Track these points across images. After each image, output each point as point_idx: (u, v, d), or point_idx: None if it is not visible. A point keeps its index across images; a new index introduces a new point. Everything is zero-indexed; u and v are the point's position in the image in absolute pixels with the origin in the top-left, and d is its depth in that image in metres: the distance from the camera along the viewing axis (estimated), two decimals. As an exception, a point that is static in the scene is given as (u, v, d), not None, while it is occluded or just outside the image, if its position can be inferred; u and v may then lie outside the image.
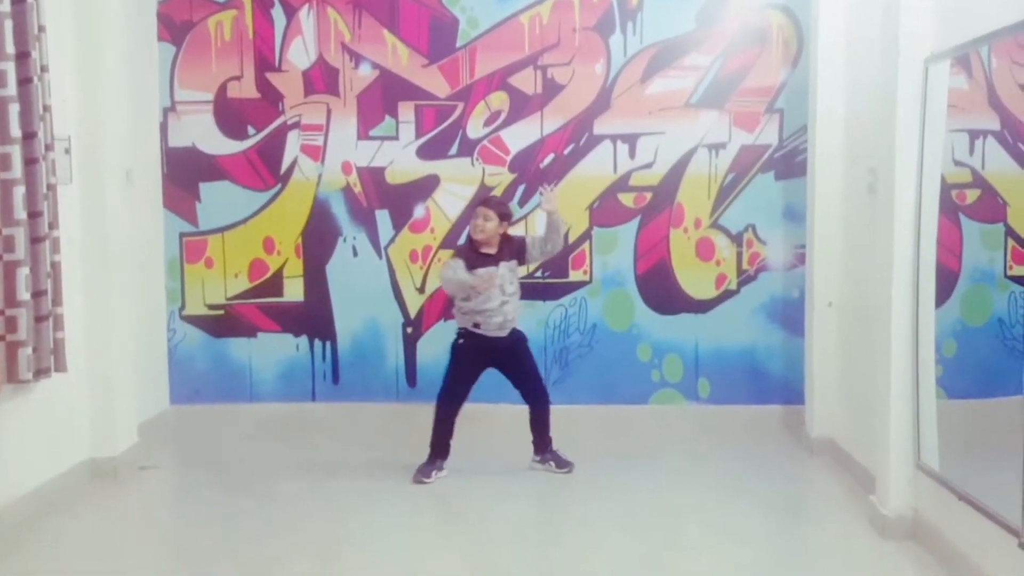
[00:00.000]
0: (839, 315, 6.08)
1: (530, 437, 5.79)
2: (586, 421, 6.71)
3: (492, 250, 5.59)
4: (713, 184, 6.85)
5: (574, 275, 6.96)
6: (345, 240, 7.01)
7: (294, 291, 7.05)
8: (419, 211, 6.95)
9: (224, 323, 7.08)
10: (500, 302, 5.56)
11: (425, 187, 6.91)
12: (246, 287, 7.06)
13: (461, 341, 5.63)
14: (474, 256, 5.54)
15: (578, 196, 6.85)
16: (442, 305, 6.88)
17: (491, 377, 5.85)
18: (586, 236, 6.92)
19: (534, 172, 6.90)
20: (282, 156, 6.96)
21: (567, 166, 6.88)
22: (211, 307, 7.10)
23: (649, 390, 6.97)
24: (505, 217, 5.67)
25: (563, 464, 5.80)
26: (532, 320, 6.77)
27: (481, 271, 5.42)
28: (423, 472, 5.58)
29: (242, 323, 7.09)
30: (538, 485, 5.72)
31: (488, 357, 5.63)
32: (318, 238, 6.97)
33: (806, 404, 6.38)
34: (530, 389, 5.77)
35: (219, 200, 7.00)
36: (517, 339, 5.70)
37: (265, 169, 7.01)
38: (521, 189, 6.91)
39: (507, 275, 5.59)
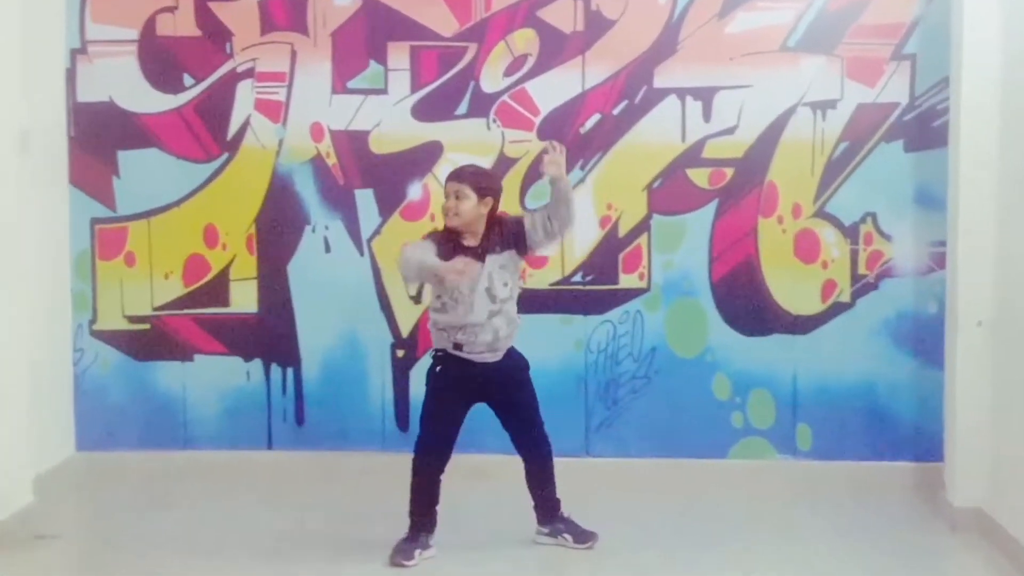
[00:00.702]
0: (992, 338, 6.02)
1: (530, 501, 5.78)
2: (640, 481, 6.77)
3: (474, 240, 5.53)
4: (819, 157, 6.81)
5: (626, 280, 6.95)
6: (314, 230, 7.02)
7: (244, 299, 7.09)
8: (415, 191, 6.94)
9: (150, 341, 7.12)
10: (488, 313, 5.49)
11: (423, 159, 6.92)
12: (180, 293, 7.09)
13: (438, 368, 5.61)
14: (450, 247, 5.47)
15: (632, 173, 6.85)
16: None
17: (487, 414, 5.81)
18: (643, 227, 6.90)
19: (572, 139, 6.84)
20: (230, 116, 7.01)
21: (617, 131, 6.86)
22: (132, 319, 7.13)
23: (728, 439, 6.96)
24: (486, 192, 5.55)
25: (583, 536, 5.77)
26: (568, 341, 6.87)
27: (458, 260, 5.32)
28: (402, 553, 5.54)
29: (174, 342, 7.12)
30: (559, 568, 5.67)
31: (475, 390, 5.61)
32: (277, 227, 7.01)
33: (946, 461, 6.37)
34: (525, 434, 5.73)
35: (145, 174, 7.04)
36: (513, 366, 5.67)
37: (207, 133, 7.04)
38: None
39: (497, 274, 5.53)
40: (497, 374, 5.60)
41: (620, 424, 6.98)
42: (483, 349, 5.53)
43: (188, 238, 7.05)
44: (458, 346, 5.55)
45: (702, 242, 6.92)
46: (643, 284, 6.96)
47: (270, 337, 7.08)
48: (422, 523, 5.61)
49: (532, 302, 6.59)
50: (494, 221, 5.56)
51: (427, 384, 5.66)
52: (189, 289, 7.10)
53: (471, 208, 5.49)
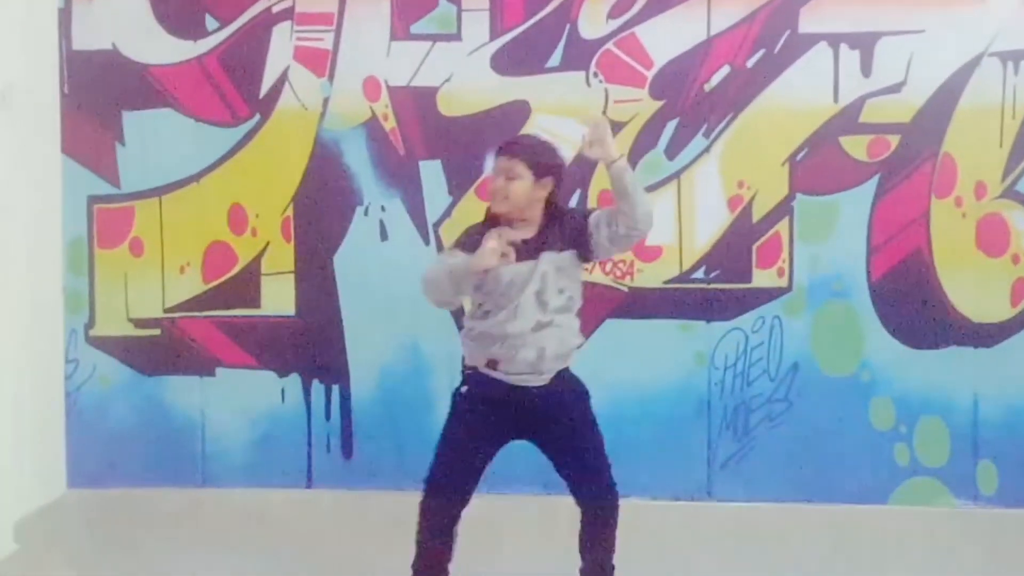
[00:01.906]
0: None
1: (577, 561, 5.38)
2: (775, 531, 6.40)
3: (529, 232, 5.12)
4: (1009, 122, 6.44)
5: (761, 277, 6.55)
6: (367, 212, 6.68)
7: (279, 298, 6.75)
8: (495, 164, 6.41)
9: (161, 351, 6.81)
10: (535, 324, 5.06)
11: (505, 122, 6.51)
12: (199, 290, 6.78)
13: (464, 389, 5.26)
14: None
15: (770, 142, 6.48)
16: None
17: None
18: (783, 210, 6.49)
19: (694, 98, 6.52)
20: (263, 68, 6.69)
21: (752, 89, 6.49)
22: (139, 323, 6.82)
23: (889, 480, 6.55)
24: (546, 170, 5.15)
25: None
26: (687, 354, 6.54)
27: (490, 236, 4.98)
28: None
29: (191, 351, 6.81)
30: None
31: (511, 421, 5.19)
32: (321, 208, 6.68)
33: None
34: (583, 484, 5.30)
35: (155, 142, 6.72)
36: (566, 394, 5.23)
37: (233, 90, 6.72)
38: (671, 128, 6.49)
39: (553, 277, 5.13)
40: (543, 403, 5.18)
41: (752, 459, 6.61)
42: (524, 369, 5.14)
43: (209, 221, 6.75)
44: (492, 363, 5.16)
45: (859, 230, 6.52)
46: (783, 283, 6.58)
47: (311, 347, 6.76)
48: None
49: (642, 305, 6.55)
50: (555, 211, 5.24)
51: (450, 408, 5.34)
52: (210, 285, 6.79)
53: (525, 191, 5.10)
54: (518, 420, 5.21)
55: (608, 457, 5.31)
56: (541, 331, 5.10)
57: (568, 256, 5.16)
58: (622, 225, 5.09)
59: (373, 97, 6.62)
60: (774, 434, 6.57)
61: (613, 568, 5.35)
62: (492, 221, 5.17)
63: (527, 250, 5.07)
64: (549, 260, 5.11)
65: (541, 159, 5.16)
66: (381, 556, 5.98)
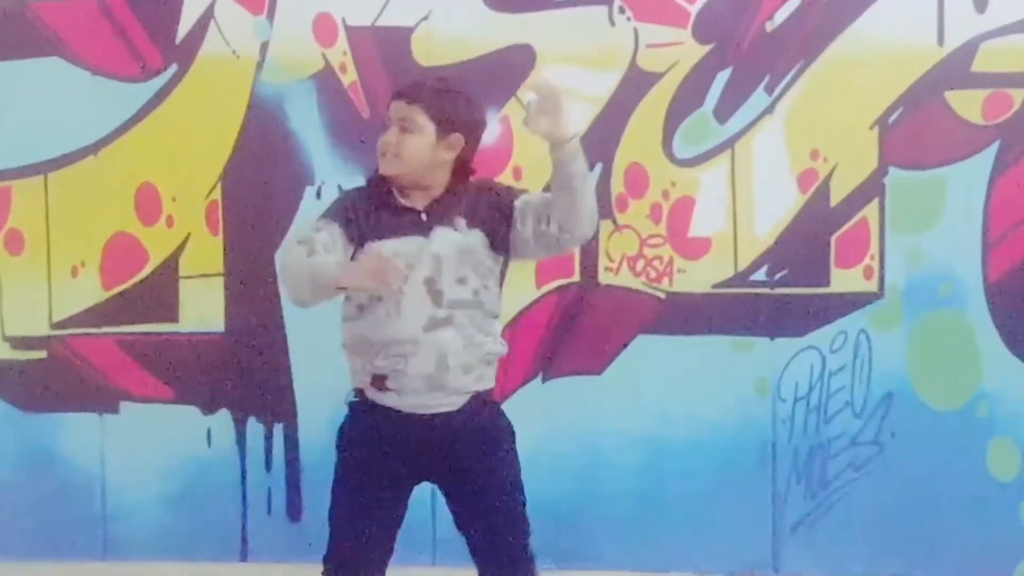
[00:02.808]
0: None
1: None
2: None
3: (420, 202, 4.48)
4: None
5: (841, 279, 5.80)
6: (320, 193, 5.93)
7: (204, 309, 6.05)
8: (490, 128, 5.36)
9: (47, 379, 6.12)
10: (427, 320, 4.37)
11: (504, 73, 5.83)
12: (97, 299, 6.07)
13: (349, 421, 4.61)
14: (377, 212, 4.47)
15: (853, 99, 5.76)
16: (541, 342, 5.88)
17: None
18: (872, 190, 5.75)
19: (752, 42, 5.79)
20: (180, 4, 5.97)
21: (829, 28, 5.75)
22: (18, 343, 6.16)
23: (1016, 547, 5.76)
24: (453, 125, 4.50)
25: None
26: (744, 380, 5.84)
27: (373, 250, 4.40)
28: None
29: (87, 380, 6.12)
30: None
31: (412, 459, 4.49)
32: (259, 189, 5.97)
33: None
34: (493, 549, 4.56)
35: (40, 101, 6.01)
36: (482, 425, 4.52)
37: (142, 33, 5.98)
38: (721, 81, 5.72)
39: (453, 260, 4.46)
40: (447, 433, 4.45)
41: (831, 521, 5.83)
42: (420, 387, 4.40)
43: (111, 207, 6.00)
44: (379, 381, 4.44)
45: (972, 216, 5.75)
46: (872, 286, 5.85)
47: (246, 374, 6.07)
48: None
49: (685, 316, 5.85)
50: (465, 180, 4.58)
51: (336, 452, 4.70)
52: (112, 292, 6.06)
53: (423, 148, 4.40)
54: (419, 458, 4.53)
55: (527, 521, 4.61)
56: (436, 331, 4.38)
57: (476, 237, 4.46)
58: (555, 224, 4.41)
59: (327, 41, 5.88)
60: (860, 488, 5.79)
61: None
62: (377, 185, 4.50)
63: (420, 226, 4.43)
64: (446, 239, 4.41)
65: (449, 109, 4.50)
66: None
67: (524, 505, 4.63)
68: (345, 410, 4.53)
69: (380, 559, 4.53)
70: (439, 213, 4.45)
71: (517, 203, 4.48)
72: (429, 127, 4.39)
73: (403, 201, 4.46)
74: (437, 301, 4.35)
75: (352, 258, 4.40)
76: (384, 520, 4.51)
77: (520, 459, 4.64)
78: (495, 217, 4.48)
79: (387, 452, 4.46)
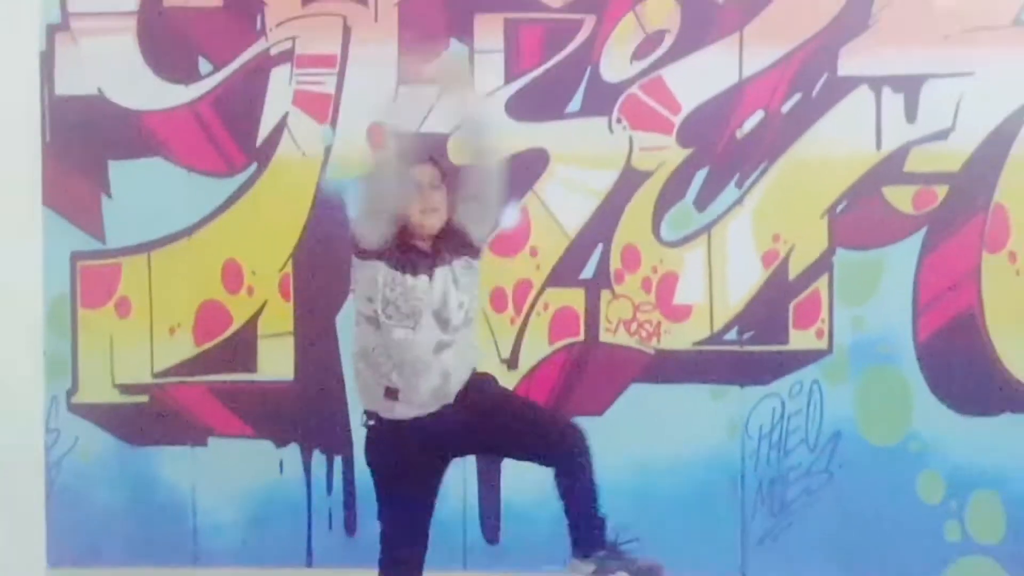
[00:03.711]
0: None
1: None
2: None
3: (426, 243, 5.06)
4: None
5: (798, 339, 6.49)
6: None
7: (278, 362, 6.70)
8: (510, 216, 6.47)
9: (149, 419, 6.74)
10: (436, 343, 4.93)
11: (522, 172, 6.41)
12: (190, 353, 6.73)
13: (373, 443, 5.13)
14: (401, 256, 4.96)
15: (808, 192, 6.47)
16: (551, 390, 6.57)
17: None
18: (823, 266, 6.46)
19: (726, 146, 6.50)
20: (260, 114, 6.67)
21: (788, 136, 6.46)
22: (126, 390, 6.76)
23: (940, 558, 6.44)
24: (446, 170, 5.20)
25: (646, 572, 5.20)
26: (718, 422, 6.49)
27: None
28: None
29: (182, 420, 6.74)
30: None
31: (432, 451, 5.07)
32: (323, 264, 6.59)
33: None
34: (541, 450, 5.14)
35: (144, 193, 6.69)
36: (480, 399, 5.09)
37: (229, 137, 6.70)
38: (700, 178, 6.46)
39: (453, 291, 5.04)
40: (454, 419, 5.06)
41: (790, 537, 6.51)
42: (427, 399, 5.02)
43: (202, 279, 6.72)
44: (392, 394, 4.99)
45: (904, 287, 6.47)
46: (823, 344, 6.52)
47: (312, 414, 6.69)
48: None
49: (670, 368, 6.53)
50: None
51: (370, 471, 5.23)
52: (203, 348, 6.75)
53: (445, 197, 5.12)
54: (436, 447, 5.10)
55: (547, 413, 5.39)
56: (442, 352, 4.98)
57: (461, 263, 5.07)
58: (471, 186, 5.08)
59: (378, 145, 6.15)
60: (814, 509, 6.47)
61: (604, 520, 5.18)
62: (404, 233, 5.02)
63: (428, 264, 4.99)
64: (444, 276, 5.00)
65: (443, 160, 5.24)
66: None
67: (535, 406, 5.46)
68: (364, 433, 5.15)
69: (422, 540, 5.12)
70: (439, 252, 5.04)
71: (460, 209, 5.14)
72: (440, 180, 5.09)
73: (419, 245, 5.02)
74: (444, 327, 4.97)
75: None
76: (420, 507, 5.09)
77: (535, 477, 5.26)
78: (461, 236, 5.10)
79: (410, 458, 5.03)
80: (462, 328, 5.07)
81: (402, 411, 4.99)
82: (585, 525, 5.11)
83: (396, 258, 5.01)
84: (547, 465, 5.11)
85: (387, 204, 5.00)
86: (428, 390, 4.96)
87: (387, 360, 4.97)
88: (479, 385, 5.16)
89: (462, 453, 5.29)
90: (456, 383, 5.03)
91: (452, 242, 5.09)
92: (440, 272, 5.02)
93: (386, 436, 5.06)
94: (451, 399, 5.03)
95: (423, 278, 4.99)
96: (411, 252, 5.02)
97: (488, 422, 5.10)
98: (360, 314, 5.08)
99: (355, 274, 5.13)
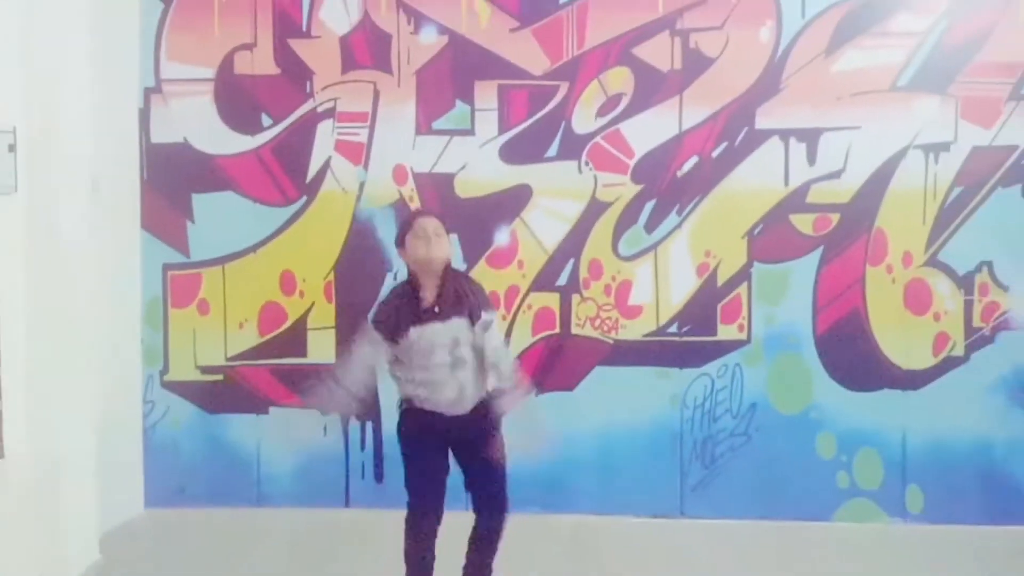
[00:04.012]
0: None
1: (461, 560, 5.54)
2: (739, 543, 6.67)
3: (431, 295, 5.25)
4: (931, 203, 6.78)
5: (725, 332, 6.93)
6: (396, 276, 6.86)
7: (322, 349, 7.03)
8: (502, 237, 6.95)
9: (223, 393, 7.11)
10: (449, 365, 5.22)
11: (511, 203, 6.93)
12: (255, 342, 7.09)
13: (405, 424, 5.44)
14: (413, 313, 5.21)
15: (732, 218, 6.87)
16: (534, 371, 6.85)
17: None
18: (743, 276, 6.89)
19: (669, 183, 6.88)
20: (309, 157, 7.02)
21: (717, 174, 6.87)
22: (205, 370, 7.14)
23: (833, 501, 6.89)
24: (448, 230, 5.39)
25: None
26: (662, 395, 6.90)
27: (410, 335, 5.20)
28: None
29: (248, 394, 7.11)
30: None
31: (443, 436, 5.38)
32: (358, 274, 6.99)
33: None
34: (486, 492, 5.47)
35: (219, 219, 7.06)
36: (484, 421, 5.36)
37: (285, 176, 7.06)
38: (649, 208, 6.91)
39: (464, 336, 5.27)
40: (463, 428, 5.36)
41: (717, 484, 6.94)
42: (444, 406, 5.31)
43: (264, 285, 7.05)
44: (417, 399, 5.37)
45: (806, 292, 6.88)
46: (743, 336, 6.93)
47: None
48: None
49: (625, 354, 6.88)
50: (450, 276, 5.32)
51: (400, 443, 5.50)
52: (264, 338, 7.09)
53: (448, 253, 5.32)
54: (447, 437, 5.34)
55: (506, 477, 5.42)
56: (456, 372, 5.19)
57: (464, 323, 5.23)
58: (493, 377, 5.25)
59: (401, 182, 6.93)
60: (735, 462, 6.89)
61: (492, 571, 5.48)
62: (412, 284, 5.23)
63: (434, 315, 5.17)
64: (459, 324, 5.20)
65: (444, 220, 5.31)
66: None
67: (505, 471, 5.40)
68: (397, 412, 5.41)
69: (439, 498, 5.36)
70: (444, 307, 5.18)
71: (483, 318, 5.21)
72: (443, 231, 5.22)
73: (423, 302, 5.16)
74: (453, 353, 5.18)
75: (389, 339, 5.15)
76: (438, 471, 5.38)
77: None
78: (473, 313, 5.20)
79: (430, 433, 5.32)
80: (472, 360, 5.25)
81: (428, 405, 5.29)
82: (476, 571, 5.48)
83: (414, 319, 5.16)
84: (476, 507, 5.47)
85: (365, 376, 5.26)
86: (446, 401, 5.23)
87: (412, 380, 5.26)
88: (487, 412, 5.33)
89: (456, 451, 5.41)
90: (471, 397, 5.26)
91: (459, 302, 5.23)
92: (456, 322, 5.20)
93: (414, 417, 5.37)
94: (467, 411, 5.28)
95: (434, 325, 5.17)
96: (427, 313, 5.18)
97: (476, 447, 5.36)
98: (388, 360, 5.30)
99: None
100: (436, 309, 5.16)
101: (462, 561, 5.51)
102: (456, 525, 5.52)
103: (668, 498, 6.93)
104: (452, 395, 5.27)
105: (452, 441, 5.41)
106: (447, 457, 5.44)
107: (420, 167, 6.96)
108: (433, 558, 5.39)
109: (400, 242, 5.28)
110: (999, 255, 6.74)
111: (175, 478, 7.11)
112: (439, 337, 5.18)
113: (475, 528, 5.49)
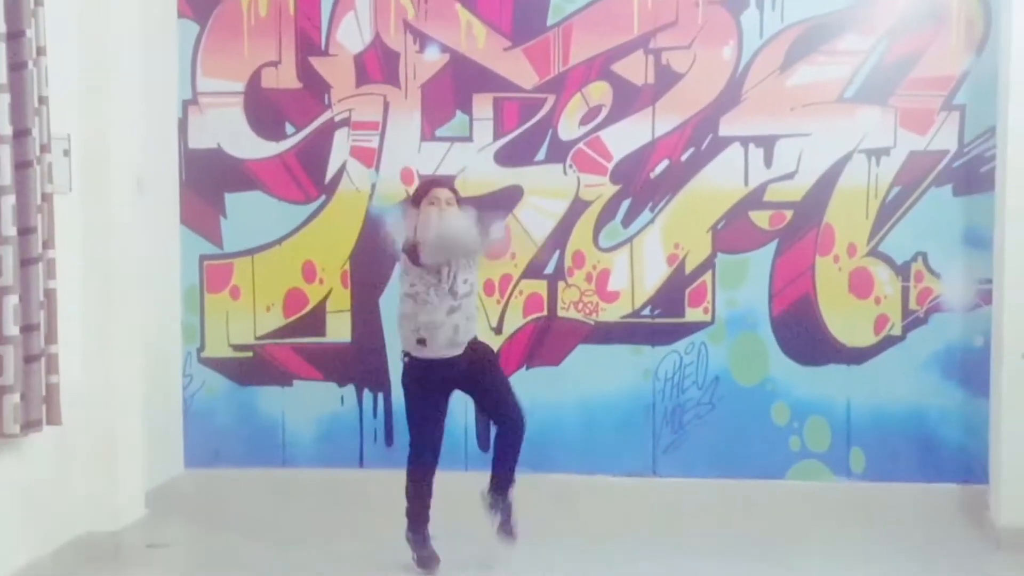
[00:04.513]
0: (1038, 370, 5.98)
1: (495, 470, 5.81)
2: (705, 499, 6.81)
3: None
4: (872, 200, 6.85)
5: (692, 314, 7.01)
6: None
7: (339, 329, 7.16)
8: (497, 231, 6.58)
9: (253, 368, 7.21)
10: (448, 309, 5.53)
11: (505, 201, 6.98)
12: (280, 324, 7.19)
13: (407, 374, 5.70)
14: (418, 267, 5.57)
15: (698, 214, 6.95)
16: (525, 348, 7.04)
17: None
18: (708, 265, 6.98)
19: (643, 183, 6.97)
20: (327, 161, 7.10)
21: (685, 176, 6.95)
22: (237, 348, 7.23)
23: (786, 462, 6.99)
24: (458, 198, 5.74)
25: (507, 529, 5.77)
26: (637, 370, 6.99)
27: (499, 224, 5.72)
28: (422, 562, 5.68)
29: (275, 368, 7.21)
30: (643, 574, 5.80)
31: (443, 381, 5.67)
32: (370, 263, 7.06)
33: (991, 483, 6.38)
34: (498, 407, 5.78)
35: (249, 215, 7.17)
36: (478, 356, 5.70)
37: (306, 177, 7.15)
38: (625, 205, 7.01)
39: (460, 272, 5.61)
40: (462, 367, 5.63)
41: (685, 447, 7.03)
42: (445, 346, 5.56)
43: (288, 273, 7.15)
44: (421, 341, 5.55)
45: (763, 279, 6.97)
46: (708, 318, 7.01)
47: (363, 364, 7.14)
48: (420, 520, 5.71)
49: (603, 334, 6.97)
50: None
51: (404, 391, 5.74)
52: (289, 320, 7.18)
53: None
54: (449, 381, 5.62)
55: (514, 392, 5.76)
56: (453, 314, 5.52)
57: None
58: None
59: (408, 182, 6.95)
60: (701, 428, 6.97)
61: (514, 479, 5.75)
62: (415, 250, 5.50)
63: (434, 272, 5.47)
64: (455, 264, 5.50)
65: (455, 188, 5.70)
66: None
67: (509, 385, 5.79)
68: (400, 365, 5.72)
69: (436, 446, 5.68)
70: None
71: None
72: (454, 200, 5.58)
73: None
74: (454, 297, 5.53)
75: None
76: (436, 417, 5.67)
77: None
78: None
79: (430, 380, 5.62)
80: (466, 297, 5.58)
81: (427, 354, 5.55)
82: (502, 474, 5.73)
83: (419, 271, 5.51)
84: (497, 423, 5.77)
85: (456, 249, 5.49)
86: (444, 340, 5.51)
87: (417, 320, 5.51)
88: (478, 346, 5.72)
89: (461, 388, 5.73)
90: (464, 336, 5.55)
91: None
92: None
93: (415, 369, 5.62)
94: (460, 350, 5.57)
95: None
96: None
97: (476, 377, 5.68)
98: (403, 292, 5.63)
99: (403, 268, 5.66)
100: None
101: (466, 520, 5.78)
102: (457, 485, 5.88)
103: (642, 459, 7.04)
104: (448, 335, 5.53)
105: (454, 381, 5.66)
106: (446, 402, 5.70)
107: (425, 169, 7.03)
108: (430, 494, 5.68)
109: (415, 203, 5.60)
110: (932, 247, 6.83)
111: (211, 442, 7.21)
112: (444, 277, 5.55)
113: (498, 434, 5.78)
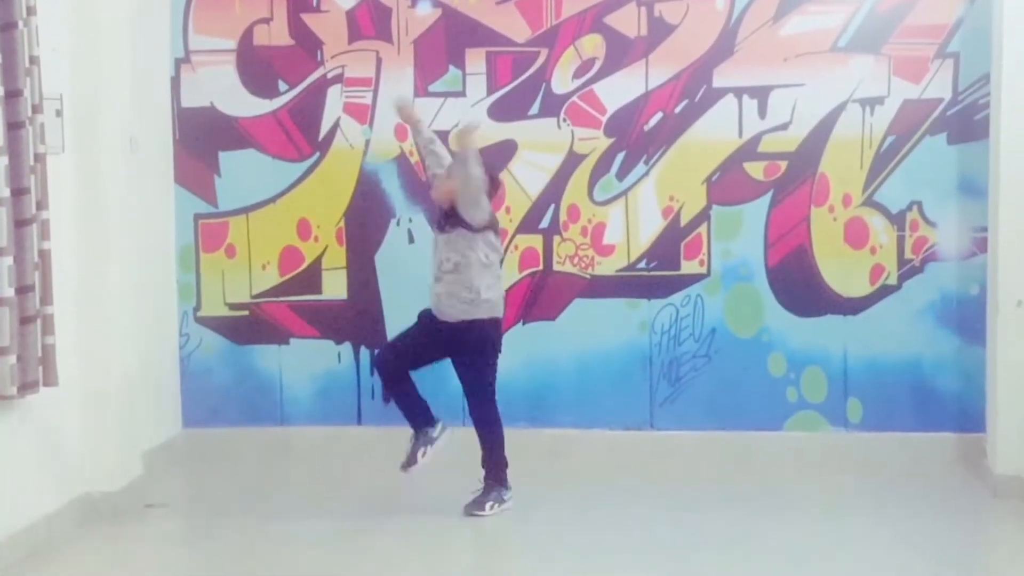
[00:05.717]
0: (1031, 316, 6.03)
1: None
2: (702, 451, 6.90)
3: (444, 220, 5.95)
4: (867, 150, 6.87)
5: (687, 266, 7.06)
6: (399, 223, 7.14)
7: (335, 287, 7.21)
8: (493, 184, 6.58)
9: (249, 327, 7.25)
10: (434, 278, 5.87)
11: (500, 155, 6.95)
12: (276, 282, 7.24)
13: (424, 311, 6.05)
14: (446, 218, 5.89)
15: (693, 166, 6.99)
16: (521, 303, 7.09)
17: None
18: (703, 217, 7.02)
19: (637, 136, 7.00)
20: (321, 118, 7.13)
21: (679, 128, 6.98)
22: (233, 307, 7.27)
23: (783, 413, 7.03)
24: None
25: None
26: (633, 323, 7.05)
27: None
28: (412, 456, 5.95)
29: (271, 327, 7.26)
30: (642, 526, 5.83)
31: (438, 332, 5.92)
32: (365, 220, 7.14)
33: (988, 432, 6.45)
34: (469, 402, 6.03)
35: (243, 173, 7.19)
36: (455, 332, 5.86)
37: (300, 134, 7.17)
38: (620, 158, 7.05)
39: (443, 250, 5.84)
40: (449, 335, 5.87)
41: (682, 399, 7.08)
42: (435, 304, 5.92)
43: (283, 231, 7.19)
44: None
45: (758, 230, 7.01)
46: (703, 270, 7.06)
47: (359, 321, 7.19)
48: (418, 424, 5.98)
49: (599, 287, 7.05)
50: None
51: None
52: (284, 278, 7.23)
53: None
54: (439, 334, 5.89)
55: (492, 383, 5.93)
56: (436, 284, 5.84)
57: (455, 232, 5.78)
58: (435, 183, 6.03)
59: (402, 139, 7.03)
60: (698, 381, 7.03)
61: (503, 464, 5.95)
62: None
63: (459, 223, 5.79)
64: (444, 240, 5.82)
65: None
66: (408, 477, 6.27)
67: (483, 381, 5.92)
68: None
69: (403, 358, 5.95)
70: (442, 224, 5.85)
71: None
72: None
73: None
74: (439, 270, 5.86)
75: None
76: (415, 340, 5.97)
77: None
78: (463, 223, 5.77)
79: (428, 321, 5.95)
80: (447, 275, 5.78)
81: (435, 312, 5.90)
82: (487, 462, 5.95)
83: (439, 225, 5.92)
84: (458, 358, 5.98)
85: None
86: (434, 301, 5.88)
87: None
88: (458, 334, 5.87)
89: (448, 352, 5.98)
90: (445, 307, 5.81)
91: (454, 219, 5.81)
92: (442, 237, 5.82)
93: (426, 314, 5.99)
94: (444, 318, 5.83)
95: (441, 236, 5.82)
96: (454, 218, 5.81)
97: (454, 352, 5.95)
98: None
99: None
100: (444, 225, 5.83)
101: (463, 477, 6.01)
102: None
103: (639, 413, 7.10)
104: (434, 300, 5.86)
105: (443, 340, 5.89)
106: (436, 340, 5.91)
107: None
108: (415, 391, 5.99)
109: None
110: (927, 195, 6.86)
111: (208, 401, 7.26)
112: (435, 250, 5.87)
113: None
